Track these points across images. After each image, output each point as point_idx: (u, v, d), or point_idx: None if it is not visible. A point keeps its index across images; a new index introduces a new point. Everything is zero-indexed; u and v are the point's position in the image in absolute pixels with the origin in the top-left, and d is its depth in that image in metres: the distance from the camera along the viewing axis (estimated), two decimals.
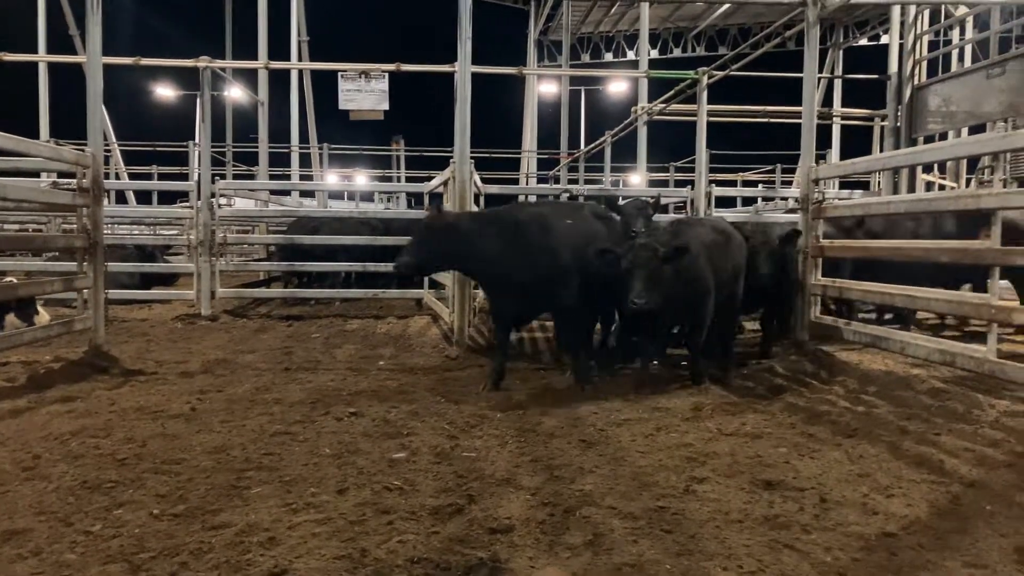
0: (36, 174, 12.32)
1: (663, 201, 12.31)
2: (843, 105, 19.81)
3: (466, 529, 2.99)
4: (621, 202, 7.58)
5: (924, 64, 13.37)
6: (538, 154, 25.86)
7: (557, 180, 21.47)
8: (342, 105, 10.39)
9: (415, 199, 22.79)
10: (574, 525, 3.05)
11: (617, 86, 25.96)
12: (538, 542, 2.89)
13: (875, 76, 15.26)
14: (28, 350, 6.67)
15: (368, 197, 23.90)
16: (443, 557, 2.73)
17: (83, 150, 6.64)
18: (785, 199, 13.35)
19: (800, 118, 7.27)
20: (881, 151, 14.78)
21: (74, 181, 6.61)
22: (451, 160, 7.89)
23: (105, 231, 7.13)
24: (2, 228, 14.09)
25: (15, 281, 6.41)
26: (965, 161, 14.39)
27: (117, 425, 4.50)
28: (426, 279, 10.13)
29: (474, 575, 2.62)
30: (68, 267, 8.57)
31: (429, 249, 5.74)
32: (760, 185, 20.84)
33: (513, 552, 2.80)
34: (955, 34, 14.68)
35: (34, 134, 18.11)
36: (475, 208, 7.84)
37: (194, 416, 4.77)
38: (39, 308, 6.61)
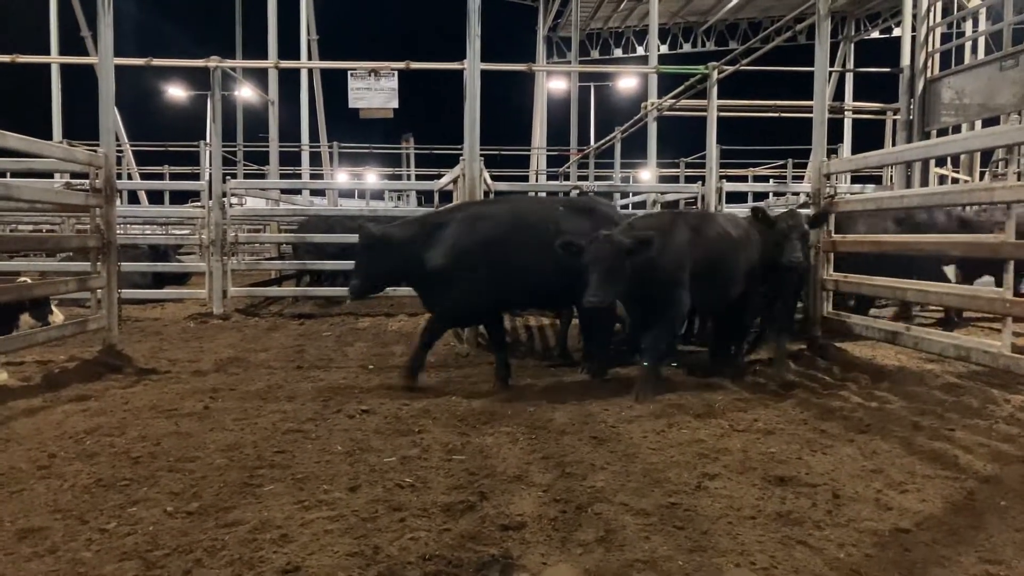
0: (49, 175, 12.43)
1: (672, 197, 12.29)
2: (855, 99, 19.67)
3: (478, 526, 2.99)
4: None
5: (937, 56, 13.25)
6: (548, 151, 25.82)
7: (567, 177, 21.43)
8: (352, 104, 10.41)
9: (425, 197, 22.82)
10: (586, 522, 3.05)
11: (627, 82, 25.86)
12: (550, 539, 2.89)
13: (887, 69, 15.15)
14: (43, 349, 6.73)
15: (378, 195, 23.95)
16: (455, 554, 2.74)
17: (95, 151, 6.69)
18: (796, 194, 13.28)
19: (811, 112, 7.23)
20: (894, 145, 14.68)
21: (87, 182, 6.67)
22: (461, 158, 7.90)
23: (118, 231, 7.17)
24: (16, 229, 14.22)
25: (30, 281, 6.45)
26: (979, 154, 14.29)
27: (131, 424, 4.54)
28: None
29: (486, 572, 2.63)
30: (82, 267, 8.64)
31: (369, 269, 5.66)
32: (771, 180, 20.73)
33: (525, 549, 2.80)
34: (968, 26, 14.57)
35: (47, 135, 18.23)
36: None
37: (207, 414, 4.80)
38: (53, 308, 6.65)
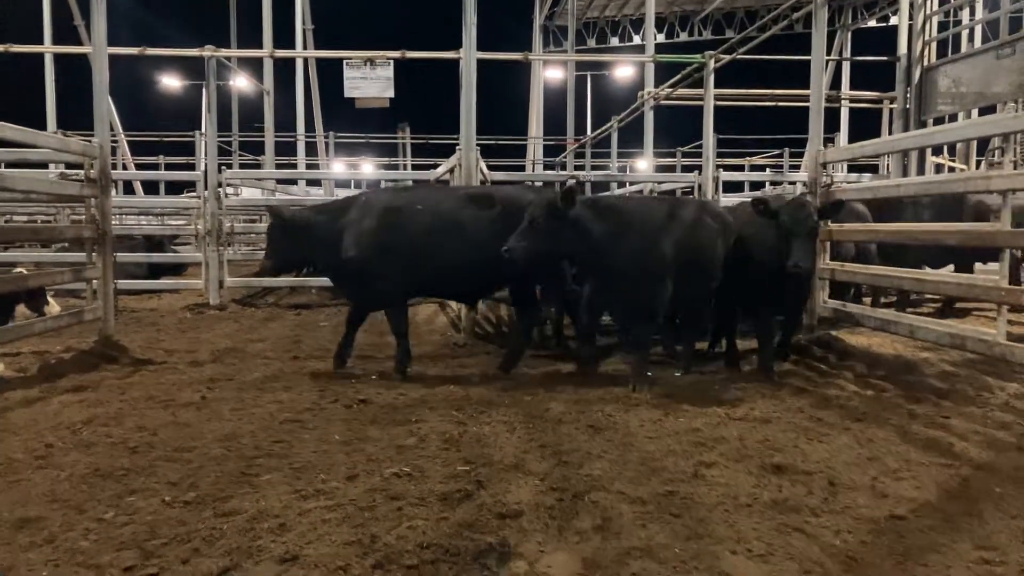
0: (44, 165, 12.38)
1: (669, 187, 12.27)
2: (852, 87, 19.64)
3: (475, 514, 3.00)
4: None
5: (934, 45, 13.23)
6: (544, 140, 25.76)
7: (564, 167, 21.40)
8: (347, 93, 10.36)
9: None
10: (583, 510, 3.06)
11: (623, 71, 25.79)
12: (547, 527, 2.90)
13: (884, 58, 15.13)
14: (39, 340, 6.71)
15: (375, 185, 23.88)
16: (452, 542, 2.74)
17: (90, 141, 6.66)
18: (793, 183, 13.27)
19: (808, 101, 7.20)
20: (890, 134, 14.67)
21: (82, 172, 6.64)
22: (457, 147, 7.88)
23: (113, 221, 7.15)
24: (11, 219, 14.16)
25: (25, 272, 6.43)
26: (975, 143, 14.29)
27: (128, 414, 4.54)
28: None
29: (484, 560, 2.63)
30: (77, 257, 8.61)
31: (279, 250, 5.87)
32: (768, 169, 20.73)
33: (522, 537, 2.81)
34: (965, 14, 14.54)
35: (41, 125, 18.15)
36: None
37: (204, 404, 4.80)
38: (49, 299, 6.64)
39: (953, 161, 14.94)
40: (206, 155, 11.07)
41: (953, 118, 12.99)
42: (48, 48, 18.34)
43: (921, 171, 13.16)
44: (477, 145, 7.70)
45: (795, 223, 5.11)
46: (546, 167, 24.23)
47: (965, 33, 13.87)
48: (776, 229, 5.21)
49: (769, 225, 5.31)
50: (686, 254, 5.40)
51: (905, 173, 13.14)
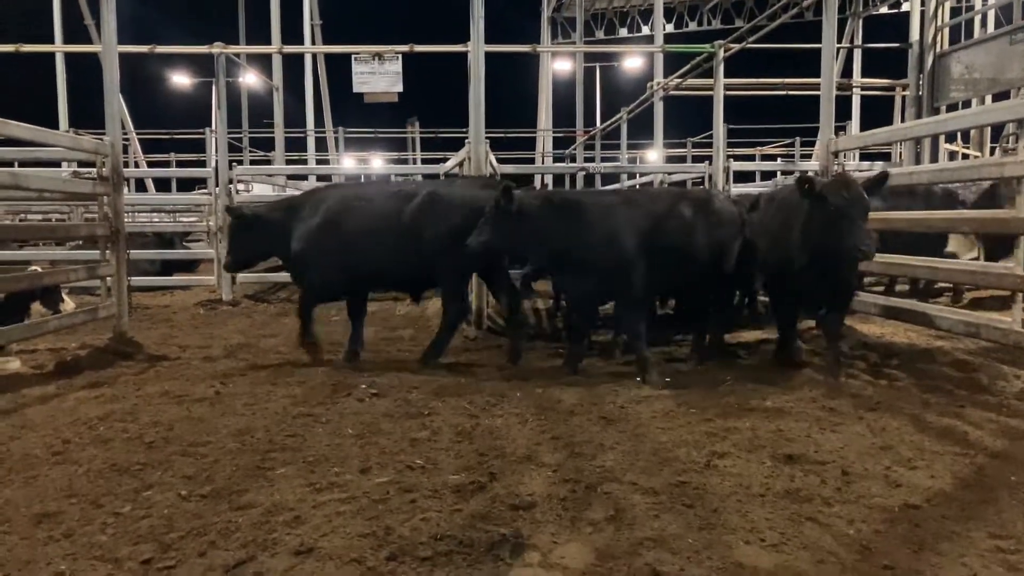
0: (57, 164, 12.46)
1: (679, 178, 12.23)
2: (863, 75, 19.47)
3: (488, 506, 3.01)
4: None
5: (946, 31, 13.11)
6: (553, 132, 25.70)
7: (573, 159, 21.35)
8: (356, 88, 10.37)
9: None
10: (596, 501, 3.06)
11: (632, 62, 25.65)
12: (560, 518, 2.91)
13: (896, 45, 14.99)
14: (54, 338, 6.78)
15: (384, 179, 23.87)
16: (466, 534, 2.76)
17: (102, 139, 6.70)
18: (804, 172, 13.19)
19: (819, 90, 7.16)
20: (903, 121, 14.55)
21: (94, 170, 6.68)
22: (466, 141, 7.87)
23: (126, 219, 7.19)
24: (26, 218, 14.28)
25: (40, 270, 6.49)
26: (989, 129, 14.16)
27: (143, 409, 4.57)
28: None
29: (497, 551, 2.64)
30: (91, 255, 8.67)
31: (241, 246, 6.23)
32: (779, 159, 20.61)
33: (535, 528, 2.82)
34: (977, 0, 14.38)
35: (53, 124, 18.25)
36: None
37: (218, 400, 4.83)
38: (64, 296, 6.69)
39: (967, 148, 14.81)
40: (216, 152, 11.12)
41: (966, 105, 12.87)
42: (59, 47, 18.45)
43: (934, 158, 13.05)
44: (486, 138, 7.70)
45: (851, 203, 4.49)
46: (556, 159, 24.18)
47: (978, 19, 13.73)
48: (822, 211, 4.61)
49: (813, 208, 4.72)
50: (658, 245, 5.38)
51: (918, 161, 13.03)
